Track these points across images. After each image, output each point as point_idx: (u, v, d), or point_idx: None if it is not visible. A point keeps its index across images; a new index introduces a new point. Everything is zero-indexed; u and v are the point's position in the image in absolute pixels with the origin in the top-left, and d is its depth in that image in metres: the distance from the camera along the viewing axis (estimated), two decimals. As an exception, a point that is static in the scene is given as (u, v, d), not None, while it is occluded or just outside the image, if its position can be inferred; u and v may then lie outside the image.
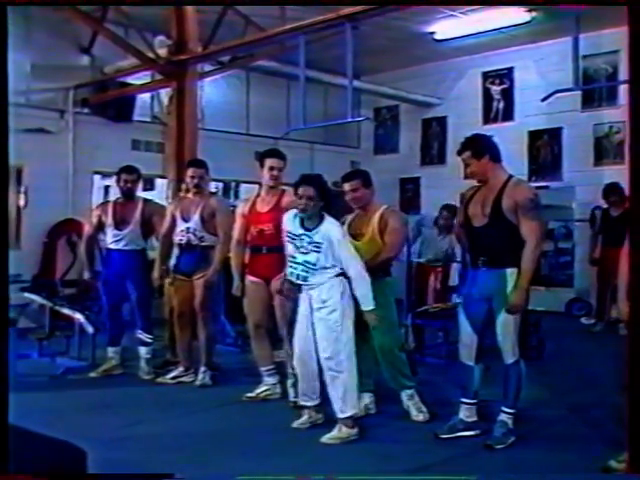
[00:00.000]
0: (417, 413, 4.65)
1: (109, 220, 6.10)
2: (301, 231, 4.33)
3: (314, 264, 4.26)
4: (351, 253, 4.29)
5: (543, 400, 5.06)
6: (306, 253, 4.28)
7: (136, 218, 6.07)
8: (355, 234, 4.65)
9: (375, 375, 4.85)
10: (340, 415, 4.27)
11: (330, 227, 4.29)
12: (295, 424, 4.50)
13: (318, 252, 4.26)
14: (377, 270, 4.54)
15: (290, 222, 4.42)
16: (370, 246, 4.61)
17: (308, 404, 4.48)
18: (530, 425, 4.37)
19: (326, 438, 4.23)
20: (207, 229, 5.69)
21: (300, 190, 4.29)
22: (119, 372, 6.19)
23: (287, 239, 4.42)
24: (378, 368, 4.79)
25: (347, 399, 4.27)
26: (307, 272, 4.29)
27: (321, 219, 4.31)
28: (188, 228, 5.70)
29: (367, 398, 4.80)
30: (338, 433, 4.26)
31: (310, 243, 4.27)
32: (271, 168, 5.18)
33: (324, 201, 4.30)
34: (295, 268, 4.35)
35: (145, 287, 6.06)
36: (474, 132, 4.53)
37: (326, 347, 4.27)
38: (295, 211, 4.40)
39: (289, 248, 4.41)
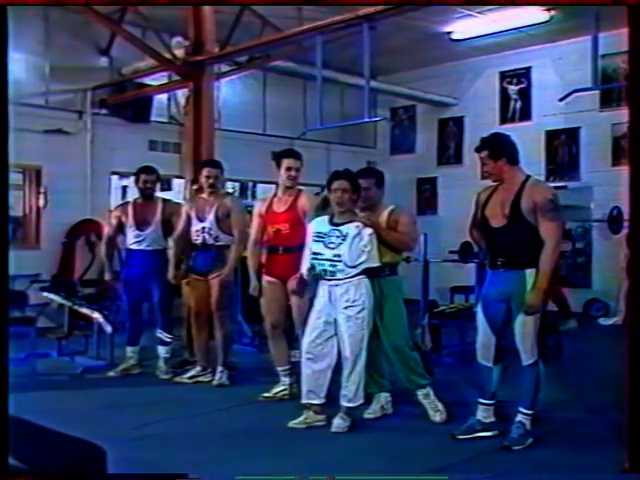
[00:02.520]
0: (434, 413, 4.63)
1: (130, 221, 6.13)
2: (330, 227, 4.45)
3: (340, 257, 4.36)
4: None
5: (561, 401, 5.02)
6: (334, 247, 4.39)
7: (157, 218, 6.11)
8: None
9: (390, 376, 4.84)
10: (349, 405, 4.43)
11: (357, 225, 4.43)
12: (291, 424, 4.51)
13: (344, 243, 4.37)
14: (384, 269, 4.56)
15: (319, 224, 4.53)
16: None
17: (315, 402, 4.52)
18: (548, 426, 4.34)
19: (335, 427, 4.41)
20: (222, 229, 5.70)
21: (335, 184, 4.43)
22: (137, 371, 6.22)
23: (314, 240, 4.48)
24: (392, 368, 4.78)
25: (359, 391, 4.43)
26: (334, 267, 4.37)
27: (352, 216, 4.47)
28: (203, 228, 5.72)
29: (383, 399, 4.79)
30: (344, 422, 4.42)
31: (338, 237, 4.39)
32: (288, 168, 5.18)
33: (357, 195, 4.49)
34: (322, 264, 4.41)
35: (167, 286, 6.07)
36: (493, 131, 4.51)
37: (351, 344, 4.37)
38: (321, 218, 4.55)
39: (315, 247, 4.46)
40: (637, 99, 3.15)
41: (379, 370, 4.79)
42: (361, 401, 4.49)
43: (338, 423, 4.43)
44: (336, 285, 4.38)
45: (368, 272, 4.45)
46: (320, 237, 4.46)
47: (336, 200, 4.42)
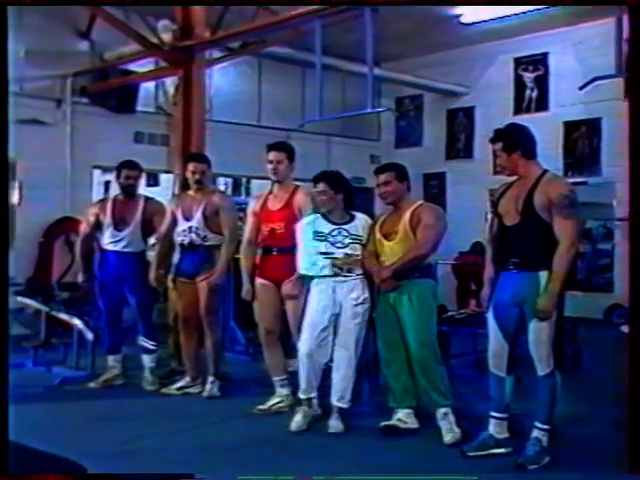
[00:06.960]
0: (447, 434, 4.53)
1: (108, 219, 6.11)
2: (332, 227, 4.71)
3: (357, 256, 4.68)
4: None
5: (580, 415, 5.03)
6: (344, 247, 4.67)
7: (137, 218, 6.08)
8: (387, 234, 4.68)
9: (413, 392, 4.74)
10: (346, 406, 4.76)
11: (366, 218, 4.87)
12: (293, 427, 4.72)
13: (359, 243, 4.73)
14: (413, 271, 4.57)
15: (311, 226, 4.75)
16: (402, 246, 4.59)
17: (311, 396, 4.82)
18: (567, 443, 4.33)
19: (333, 429, 4.70)
20: (210, 228, 5.70)
21: (319, 186, 4.77)
22: (121, 382, 6.21)
23: (316, 239, 4.70)
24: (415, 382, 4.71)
25: (350, 390, 4.77)
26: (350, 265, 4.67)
27: (350, 213, 4.81)
28: (190, 227, 5.71)
29: (400, 413, 4.71)
30: (341, 423, 4.72)
31: (347, 237, 4.69)
32: (270, 161, 5.22)
33: (343, 194, 4.79)
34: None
35: (145, 291, 6.06)
36: (508, 122, 4.52)
37: (355, 342, 4.71)
38: (312, 216, 4.82)
39: (320, 246, 4.69)
40: (637, 99, 3.17)
41: (403, 385, 4.73)
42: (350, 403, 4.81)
43: (336, 424, 4.69)
44: (343, 282, 4.65)
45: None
46: (322, 236, 4.69)
47: (319, 202, 4.78)
